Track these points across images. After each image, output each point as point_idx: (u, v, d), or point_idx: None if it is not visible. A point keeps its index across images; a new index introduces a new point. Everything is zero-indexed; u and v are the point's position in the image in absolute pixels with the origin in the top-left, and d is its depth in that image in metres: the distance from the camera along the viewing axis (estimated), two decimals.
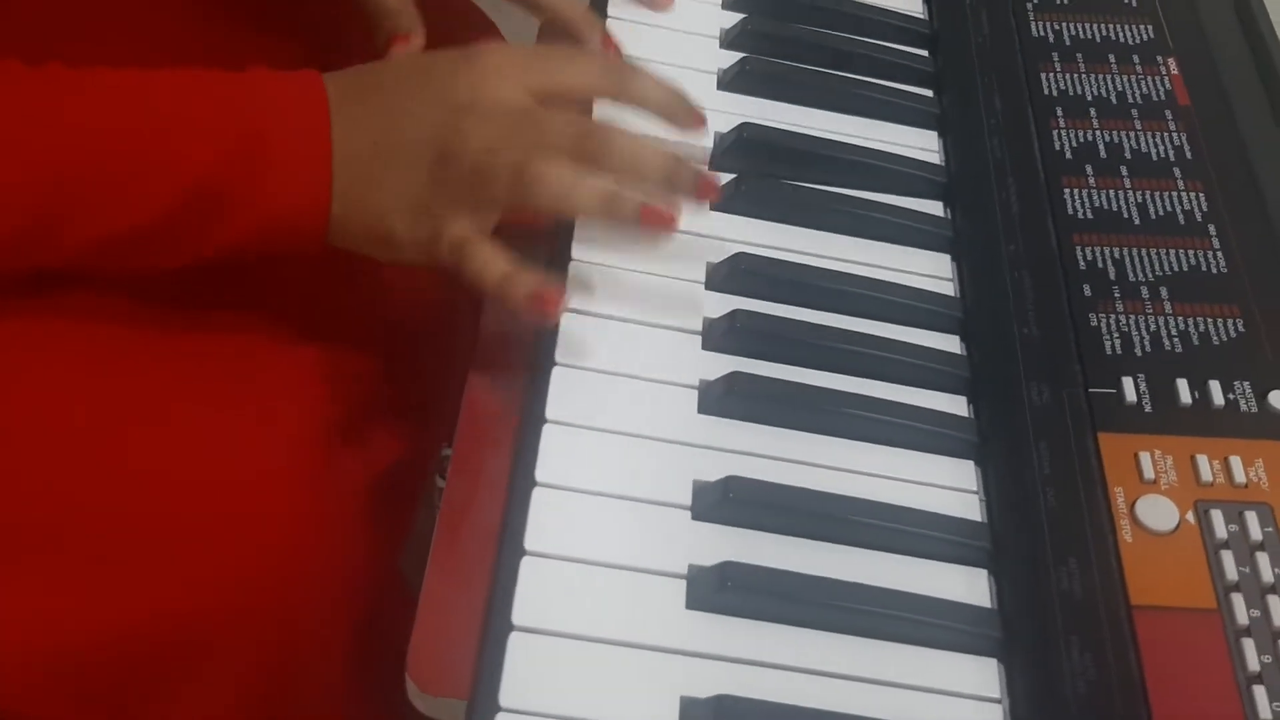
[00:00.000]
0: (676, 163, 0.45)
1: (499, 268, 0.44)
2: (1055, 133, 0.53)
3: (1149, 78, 0.56)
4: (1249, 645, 0.38)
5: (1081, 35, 0.58)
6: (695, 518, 0.41)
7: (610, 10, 0.57)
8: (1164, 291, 0.48)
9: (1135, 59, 0.57)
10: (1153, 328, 0.47)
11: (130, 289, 0.49)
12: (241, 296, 0.51)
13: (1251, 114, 0.55)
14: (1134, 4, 0.59)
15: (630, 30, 0.56)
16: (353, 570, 0.50)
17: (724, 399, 0.44)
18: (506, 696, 0.36)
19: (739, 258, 0.48)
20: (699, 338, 0.46)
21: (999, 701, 0.38)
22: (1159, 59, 0.57)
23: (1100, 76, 0.56)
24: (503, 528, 0.41)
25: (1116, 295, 0.48)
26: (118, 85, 0.45)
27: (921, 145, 0.54)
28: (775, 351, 0.46)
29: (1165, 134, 0.53)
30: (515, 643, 0.37)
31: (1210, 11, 0.59)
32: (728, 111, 0.53)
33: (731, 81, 0.55)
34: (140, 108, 0.45)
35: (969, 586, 0.41)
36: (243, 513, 0.47)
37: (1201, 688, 0.38)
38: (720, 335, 0.46)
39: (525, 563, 0.39)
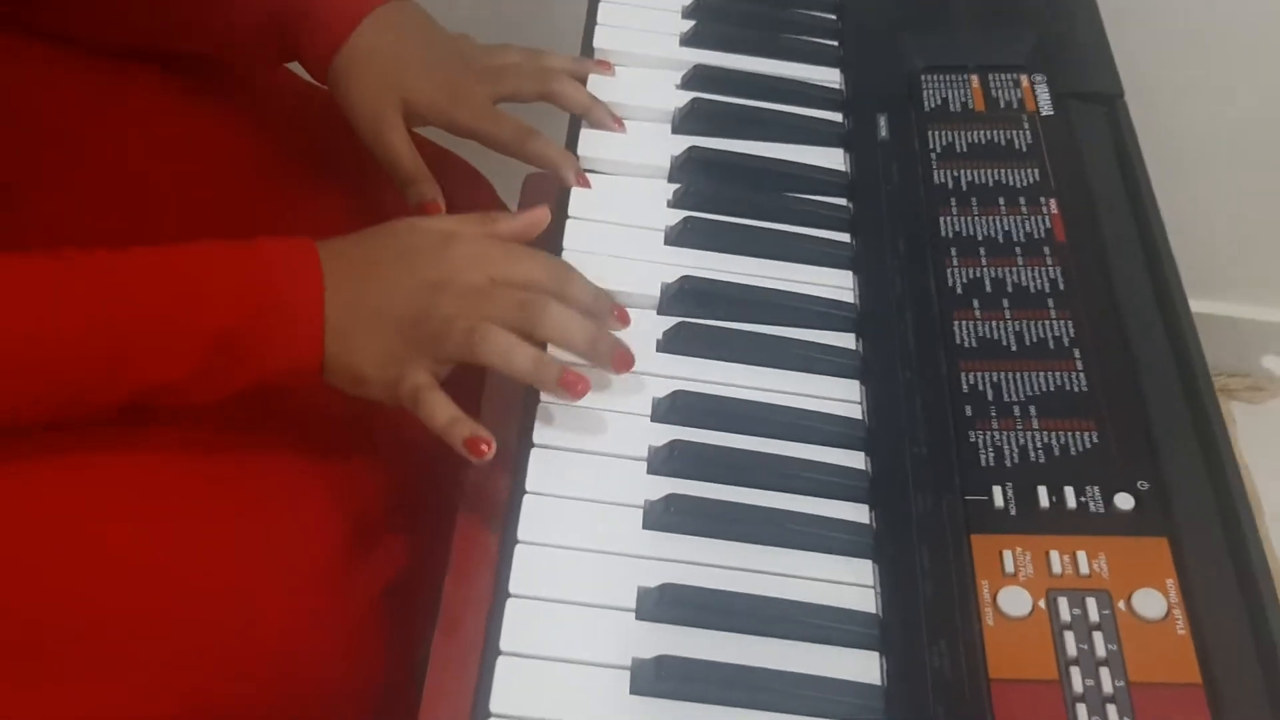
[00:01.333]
0: (598, 336, 0.56)
1: (445, 414, 0.55)
2: (949, 270, 0.63)
3: (1032, 217, 0.66)
4: (1082, 709, 0.47)
5: (976, 180, 0.68)
6: (638, 618, 0.50)
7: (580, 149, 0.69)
8: (1032, 409, 0.57)
9: (1021, 200, 0.67)
10: (1021, 441, 0.56)
11: (160, 418, 0.60)
12: (263, 420, 0.62)
13: (1120, 248, 0.64)
14: (1024, 150, 0.69)
15: (594, 189, 0.67)
16: (368, 670, 0.59)
17: (664, 516, 0.54)
18: None
19: (678, 395, 0.58)
20: (644, 463, 0.56)
21: None
22: (1042, 199, 0.67)
23: (990, 218, 0.66)
24: (486, 632, 0.51)
25: (993, 414, 0.57)
26: (154, 264, 0.56)
27: (837, 284, 0.64)
28: (709, 474, 0.56)
29: (1042, 268, 0.63)
30: None
31: (1091, 155, 0.69)
32: (673, 264, 0.64)
33: (676, 237, 0.65)
34: (171, 283, 0.56)
35: (864, 667, 0.50)
36: (264, 617, 0.57)
37: None
38: (661, 462, 0.56)
39: (501, 661, 0.49)
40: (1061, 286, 0.62)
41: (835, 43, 0.78)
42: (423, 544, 0.64)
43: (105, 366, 0.55)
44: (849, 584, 0.53)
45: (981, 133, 0.70)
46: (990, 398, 0.58)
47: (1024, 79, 0.73)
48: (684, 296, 0.62)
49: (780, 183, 0.69)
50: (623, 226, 0.65)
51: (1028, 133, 0.70)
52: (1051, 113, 0.71)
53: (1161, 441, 0.56)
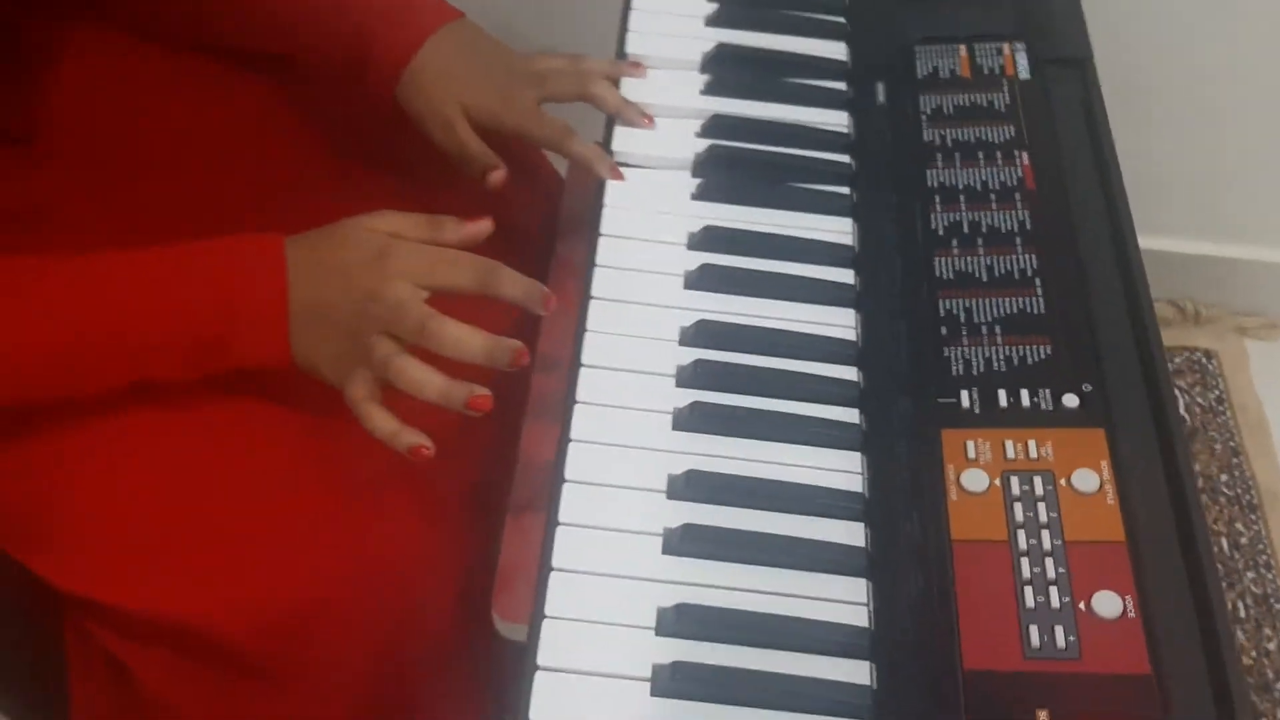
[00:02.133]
0: (494, 346, 0.65)
1: (385, 428, 0.65)
2: (933, 215, 0.75)
3: (1006, 168, 0.77)
4: (1025, 561, 0.59)
5: (959, 138, 0.79)
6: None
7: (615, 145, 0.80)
8: (998, 329, 0.69)
9: (998, 154, 0.77)
10: (987, 355, 0.67)
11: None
12: None
13: (1081, 193, 0.75)
14: (1002, 110, 0.80)
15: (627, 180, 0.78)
16: (454, 554, 0.72)
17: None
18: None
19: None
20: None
21: (865, 605, 0.60)
22: (1015, 153, 0.77)
23: (970, 169, 0.77)
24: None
25: (964, 333, 0.69)
26: (137, 273, 0.67)
27: (838, 229, 0.76)
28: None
29: (1012, 212, 0.74)
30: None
31: (1061, 113, 0.80)
32: (698, 216, 0.76)
33: (700, 190, 0.77)
34: (153, 292, 0.66)
35: (850, 534, 0.62)
36: (367, 512, 0.70)
37: (992, 588, 0.58)
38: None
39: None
40: (1028, 226, 0.73)
41: (841, 19, 0.89)
42: (496, 452, 0.76)
43: (104, 359, 0.67)
44: (838, 470, 0.65)
45: (966, 97, 0.81)
46: (962, 320, 0.69)
47: (1005, 47, 0.84)
48: (713, 233, 0.74)
49: (791, 142, 0.80)
50: (655, 213, 0.76)
51: (1006, 95, 0.81)
52: (1028, 77, 0.82)
53: (1105, 353, 0.67)
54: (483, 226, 0.71)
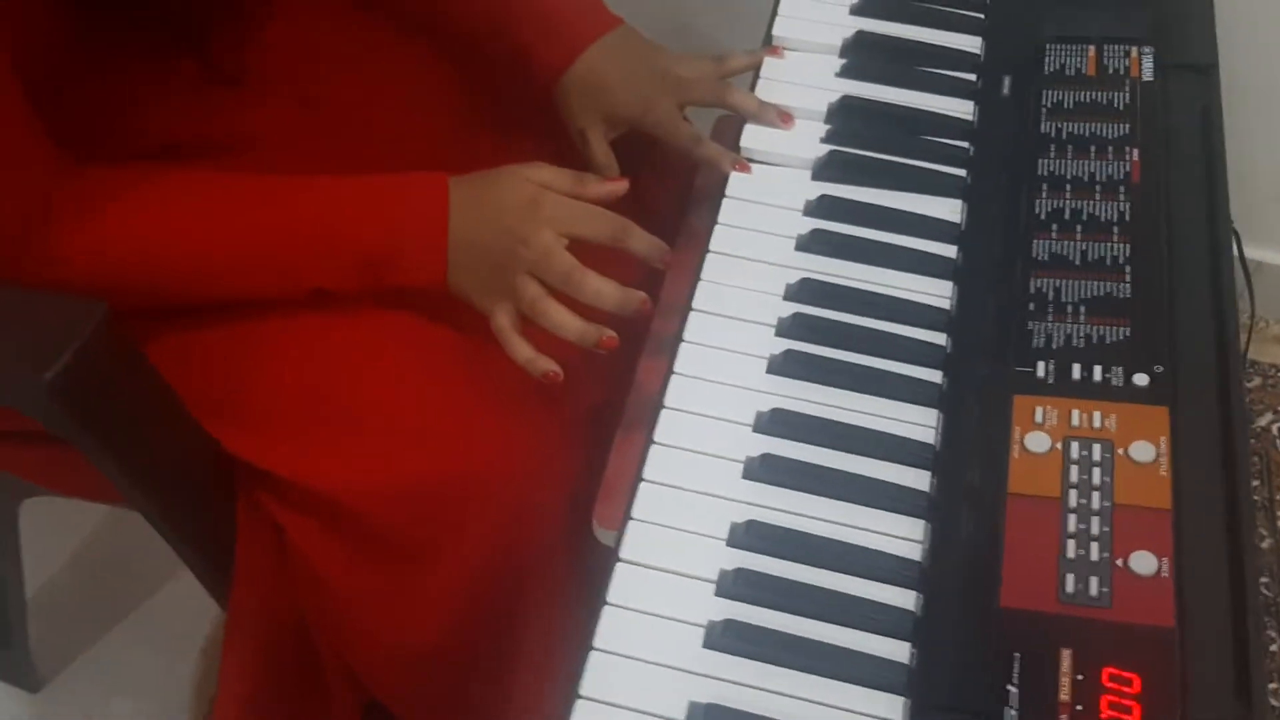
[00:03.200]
0: (626, 297, 0.75)
1: (521, 354, 0.75)
2: (1037, 202, 0.79)
3: (1116, 162, 0.81)
4: (1072, 518, 0.64)
5: (1075, 131, 0.83)
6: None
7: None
8: (1083, 309, 0.73)
9: (1109, 149, 0.81)
10: (1068, 332, 0.72)
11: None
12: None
13: (1185, 192, 0.79)
14: (1120, 109, 0.84)
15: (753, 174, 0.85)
16: (572, 465, 0.81)
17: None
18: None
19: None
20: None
21: (921, 543, 0.66)
22: (1127, 149, 0.81)
23: (1080, 161, 0.81)
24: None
25: (1050, 310, 0.73)
26: (324, 192, 0.78)
27: (949, 211, 0.81)
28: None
29: (1114, 203, 0.78)
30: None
31: (1178, 115, 0.83)
32: (817, 189, 0.82)
33: (819, 170, 0.84)
34: (333, 213, 0.78)
35: (916, 479, 0.68)
36: (500, 420, 0.80)
37: (1038, 538, 0.64)
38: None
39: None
40: (1128, 218, 0.77)
41: (980, 15, 0.94)
42: (614, 382, 0.84)
43: (287, 271, 0.78)
44: (916, 424, 0.71)
45: (1087, 94, 0.85)
46: (1050, 298, 0.74)
47: (1134, 50, 0.87)
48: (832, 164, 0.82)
49: (911, 125, 0.86)
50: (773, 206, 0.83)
51: (1126, 95, 0.84)
52: (1151, 79, 0.85)
53: (1181, 341, 0.71)
54: (619, 185, 0.80)
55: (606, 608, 0.64)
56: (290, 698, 0.87)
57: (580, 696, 0.61)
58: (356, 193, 0.79)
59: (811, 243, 0.79)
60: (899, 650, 0.62)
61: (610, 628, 0.63)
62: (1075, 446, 0.67)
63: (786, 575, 0.65)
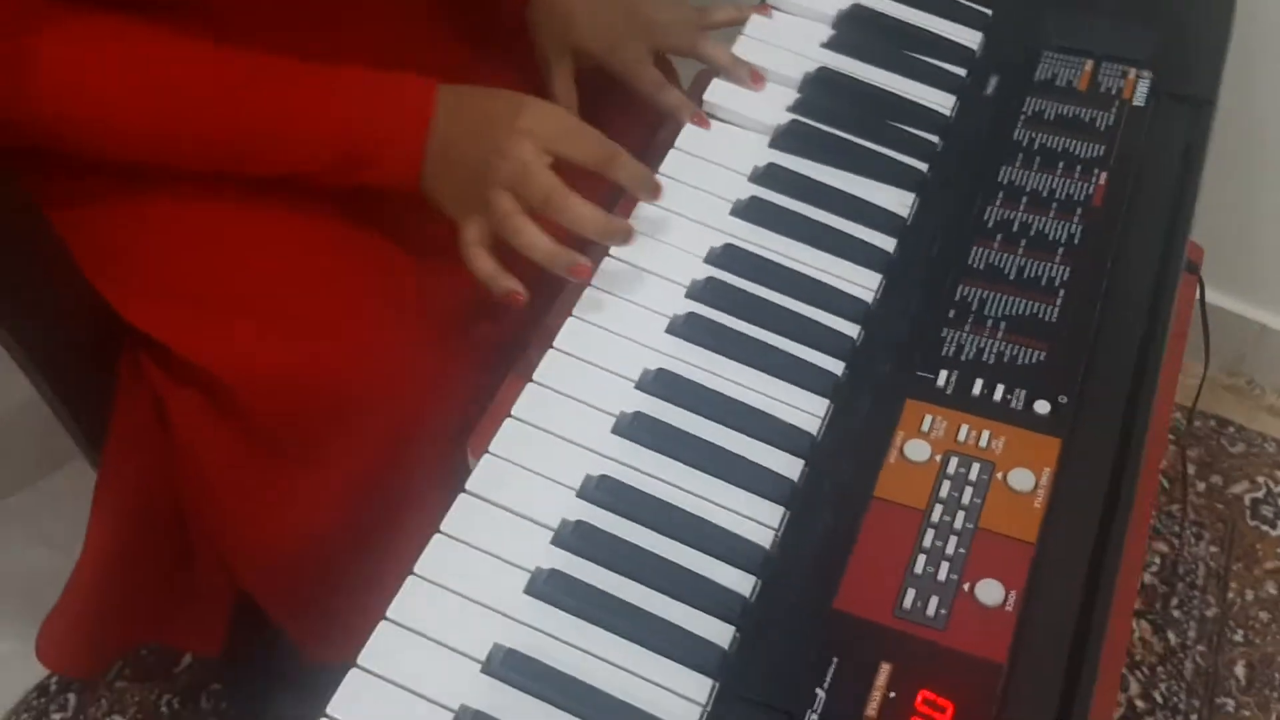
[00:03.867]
0: (610, 226, 0.72)
1: (485, 269, 0.72)
2: (989, 209, 0.76)
3: (1080, 182, 0.77)
4: (930, 533, 0.62)
5: (1047, 144, 0.79)
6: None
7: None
8: (1004, 325, 0.70)
9: (1078, 168, 0.78)
10: (982, 345, 0.69)
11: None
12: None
13: (1143, 225, 0.75)
14: (1101, 129, 0.80)
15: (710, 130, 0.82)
16: (467, 393, 0.79)
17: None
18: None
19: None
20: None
21: (774, 530, 0.63)
22: (1095, 170, 0.78)
23: (1044, 175, 0.78)
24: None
25: (970, 321, 0.70)
26: (313, 78, 0.75)
27: (898, 201, 0.78)
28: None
29: (1068, 223, 0.75)
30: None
31: (1159, 146, 0.79)
32: (769, 158, 0.79)
33: (777, 138, 0.81)
34: (325, 100, 0.75)
35: (788, 467, 0.66)
36: (405, 335, 0.78)
37: (890, 548, 0.61)
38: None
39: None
40: (1076, 241, 0.74)
41: (987, 10, 0.90)
42: (531, 318, 0.82)
43: (264, 149, 0.75)
44: (801, 410, 0.68)
45: (1071, 109, 0.81)
46: (974, 308, 0.71)
47: (1131, 72, 0.83)
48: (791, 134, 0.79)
49: (883, 109, 0.82)
50: (719, 166, 0.80)
51: (1111, 116, 0.80)
52: (1142, 105, 0.81)
53: (1096, 375, 0.68)
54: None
55: (437, 535, 0.62)
56: (155, 569, 0.86)
57: (386, 618, 0.59)
58: (346, 82, 0.76)
59: (748, 209, 0.76)
60: (722, 633, 0.60)
61: (435, 556, 0.61)
62: (954, 462, 0.64)
63: (627, 537, 0.62)
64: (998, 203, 0.76)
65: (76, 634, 0.87)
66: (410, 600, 0.60)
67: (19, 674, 1.18)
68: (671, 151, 0.79)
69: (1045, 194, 0.77)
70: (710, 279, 0.73)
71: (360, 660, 0.58)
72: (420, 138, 0.75)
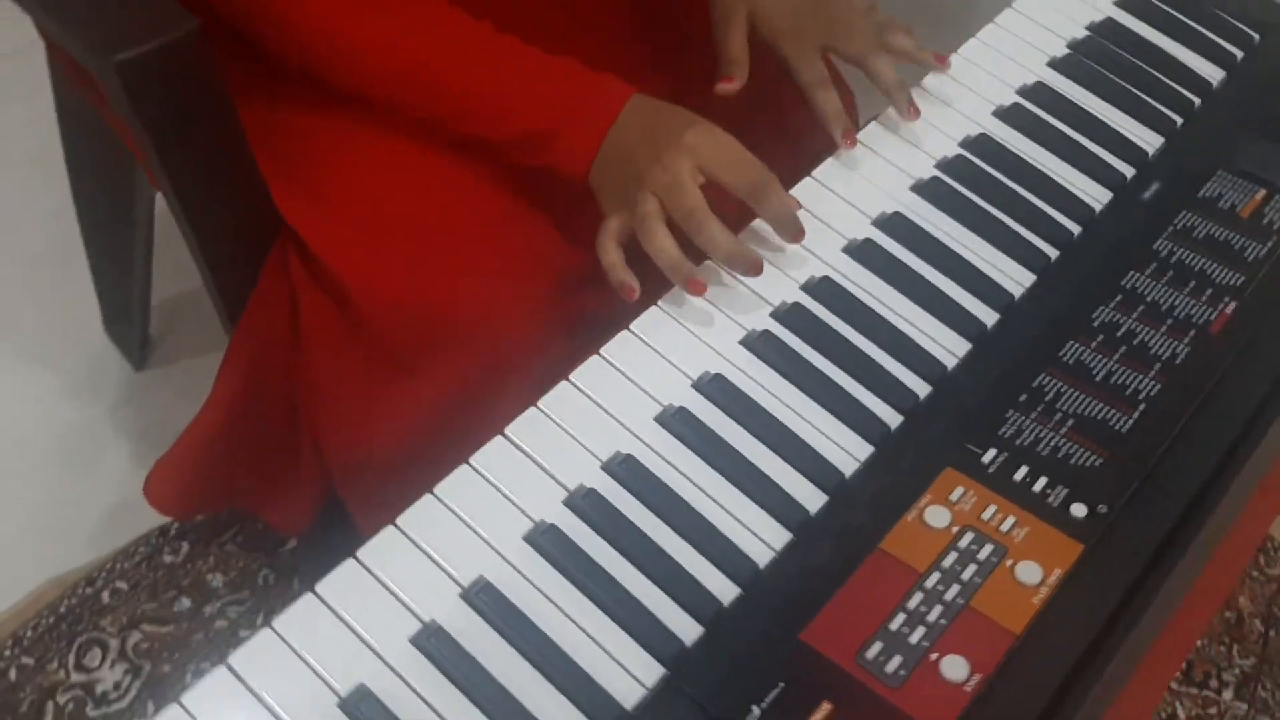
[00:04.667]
0: (738, 254, 0.74)
1: (608, 259, 0.75)
2: (1101, 308, 0.75)
3: (1206, 306, 0.75)
4: (918, 595, 0.62)
5: (1187, 260, 0.77)
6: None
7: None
8: (1070, 423, 0.69)
9: (1208, 292, 0.75)
10: (1043, 436, 0.68)
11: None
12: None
13: (1254, 364, 0.72)
14: (1246, 259, 0.77)
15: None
16: (548, 347, 0.83)
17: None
18: None
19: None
20: None
21: (772, 550, 0.65)
22: (1226, 299, 0.75)
23: (1171, 290, 0.75)
24: None
25: (1038, 410, 0.70)
26: (532, 57, 0.81)
27: (1016, 277, 0.77)
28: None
29: (1175, 342, 0.73)
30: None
31: None
32: (901, 201, 0.80)
33: (921, 186, 0.81)
34: (533, 75, 0.80)
35: (809, 497, 0.67)
36: (519, 286, 0.83)
37: (875, 598, 0.62)
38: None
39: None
40: (1178, 361, 0.72)
41: (1179, 119, 0.87)
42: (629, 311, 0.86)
43: (469, 108, 0.81)
44: (843, 449, 0.69)
45: (1224, 232, 0.79)
46: (1047, 399, 0.70)
47: None
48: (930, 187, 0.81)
49: (1033, 187, 0.82)
50: (846, 203, 0.81)
51: (1264, 249, 0.77)
52: None
53: (1147, 497, 0.66)
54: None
55: (464, 465, 0.66)
56: (261, 441, 0.94)
57: (394, 524, 0.64)
58: (561, 74, 0.81)
59: (859, 249, 0.78)
60: (689, 629, 0.62)
61: (457, 482, 0.66)
62: (969, 537, 0.64)
63: (632, 517, 0.65)
64: (1112, 305, 0.75)
65: (179, 477, 0.96)
66: (421, 514, 0.65)
67: (151, 515, 1.31)
68: (807, 179, 0.81)
69: (1164, 307, 0.75)
70: (797, 305, 0.74)
71: (359, 553, 0.63)
72: (600, 136, 0.80)
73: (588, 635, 0.62)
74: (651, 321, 0.73)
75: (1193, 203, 0.81)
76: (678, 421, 0.69)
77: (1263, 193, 0.81)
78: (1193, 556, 0.65)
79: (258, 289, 0.87)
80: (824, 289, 0.76)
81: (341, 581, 0.62)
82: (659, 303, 0.74)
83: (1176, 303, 0.75)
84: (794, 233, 0.76)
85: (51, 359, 1.45)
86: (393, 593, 0.62)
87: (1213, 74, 0.91)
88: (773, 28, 0.87)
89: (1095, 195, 0.83)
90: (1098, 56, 0.90)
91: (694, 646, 0.61)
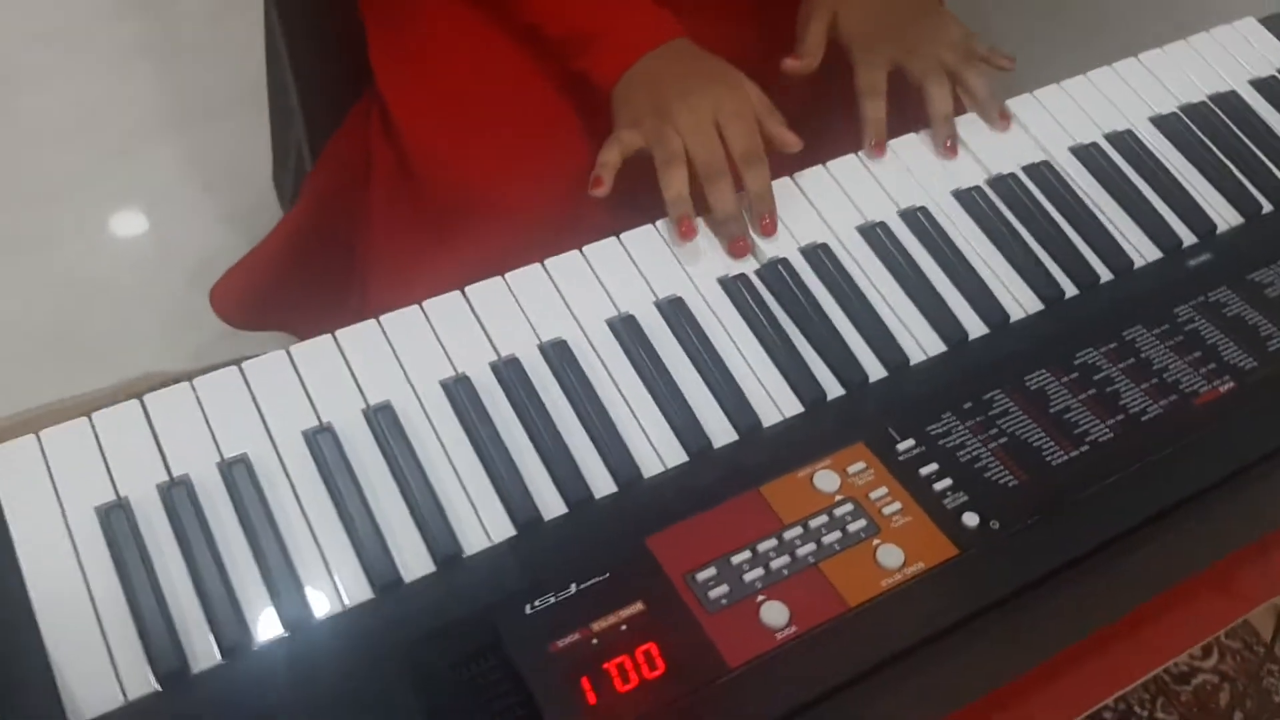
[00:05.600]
0: (736, 217, 0.76)
1: (604, 159, 0.78)
2: (1090, 350, 0.72)
3: (1201, 378, 0.71)
4: (772, 541, 0.62)
5: (1203, 332, 0.74)
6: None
7: None
8: (1004, 440, 0.68)
9: (1209, 366, 0.72)
10: (968, 443, 0.67)
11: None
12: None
13: (1224, 452, 0.68)
14: (1269, 349, 0.73)
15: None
16: (554, 227, 0.87)
17: None
18: None
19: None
20: None
21: (665, 467, 0.66)
22: (1226, 377, 0.71)
23: (1171, 354, 0.72)
24: None
25: (977, 420, 0.68)
26: None
27: (1018, 299, 0.76)
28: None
29: (1151, 402, 0.70)
30: None
31: None
32: (934, 200, 0.80)
33: (959, 194, 0.80)
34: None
35: (722, 433, 0.68)
36: (542, 185, 0.87)
37: (736, 532, 0.63)
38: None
39: None
40: (1143, 418, 0.69)
41: (1268, 205, 0.83)
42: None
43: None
44: (774, 399, 0.70)
45: (1257, 318, 0.75)
46: (991, 413, 0.69)
47: None
48: (970, 196, 0.80)
49: (1078, 225, 0.80)
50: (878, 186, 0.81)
51: None
52: None
53: (1048, 532, 0.64)
54: (794, 143, 0.81)
55: (420, 305, 0.71)
56: (319, 271, 1.01)
57: (333, 334, 0.69)
58: None
59: (871, 230, 0.78)
60: (554, 506, 0.65)
61: (403, 319, 0.70)
62: (848, 508, 0.64)
63: (545, 396, 0.68)
64: (1103, 349, 0.73)
65: (241, 289, 1.05)
66: (359, 334, 0.69)
67: (257, 344, 1.42)
68: (836, 160, 0.82)
69: (1156, 367, 0.72)
70: (785, 261, 0.75)
71: (291, 349, 0.68)
72: (636, 54, 0.84)
73: (459, 481, 0.65)
74: (641, 236, 0.76)
75: (1238, 282, 0.77)
76: (624, 327, 0.71)
77: None
78: (1062, 615, 0.63)
79: (339, 134, 0.94)
80: (818, 255, 0.76)
81: (268, 366, 0.67)
82: (657, 223, 0.77)
83: (1171, 366, 0.72)
84: (766, 220, 0.77)
85: (221, 191, 1.58)
86: (305, 389, 0.67)
87: None
88: (850, 30, 0.88)
89: (1143, 250, 0.80)
90: (1205, 125, 0.87)
91: (551, 522, 0.64)
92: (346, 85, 0.92)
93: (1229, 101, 0.89)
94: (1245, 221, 0.82)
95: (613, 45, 0.85)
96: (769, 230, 0.77)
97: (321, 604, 0.61)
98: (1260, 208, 0.83)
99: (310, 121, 0.93)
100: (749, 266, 0.76)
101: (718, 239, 0.77)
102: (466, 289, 0.72)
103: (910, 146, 0.84)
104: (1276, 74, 0.92)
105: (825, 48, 0.89)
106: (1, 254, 1.56)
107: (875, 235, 0.78)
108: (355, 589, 0.61)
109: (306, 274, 1.02)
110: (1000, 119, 0.84)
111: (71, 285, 1.55)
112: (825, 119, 0.91)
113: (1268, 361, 0.73)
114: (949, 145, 0.83)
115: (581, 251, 0.75)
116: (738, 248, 0.76)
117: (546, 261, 0.74)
